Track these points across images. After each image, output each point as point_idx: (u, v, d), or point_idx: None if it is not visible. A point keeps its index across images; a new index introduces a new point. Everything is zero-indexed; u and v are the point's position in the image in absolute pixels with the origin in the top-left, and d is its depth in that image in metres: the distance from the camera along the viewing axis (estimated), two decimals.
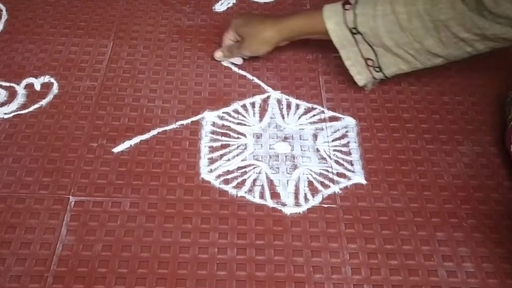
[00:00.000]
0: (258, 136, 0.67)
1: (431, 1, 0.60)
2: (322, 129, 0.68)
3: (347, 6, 0.64)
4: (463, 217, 0.60)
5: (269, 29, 0.69)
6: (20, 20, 0.80)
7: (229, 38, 0.73)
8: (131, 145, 0.65)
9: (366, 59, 0.67)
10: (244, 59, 0.75)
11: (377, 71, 0.67)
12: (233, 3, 0.85)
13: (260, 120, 0.69)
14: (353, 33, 0.65)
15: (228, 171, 0.63)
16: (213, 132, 0.67)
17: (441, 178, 0.64)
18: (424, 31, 0.61)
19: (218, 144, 0.66)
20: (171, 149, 0.65)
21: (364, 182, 0.63)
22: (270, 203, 0.60)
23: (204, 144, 0.66)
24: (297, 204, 0.60)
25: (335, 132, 0.68)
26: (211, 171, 0.63)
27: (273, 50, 0.71)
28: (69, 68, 0.73)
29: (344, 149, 0.66)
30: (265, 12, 0.83)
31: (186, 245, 0.56)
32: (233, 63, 0.75)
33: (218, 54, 0.74)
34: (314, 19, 0.67)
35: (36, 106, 0.68)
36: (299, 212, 0.60)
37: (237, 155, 0.65)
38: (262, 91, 0.72)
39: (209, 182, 0.62)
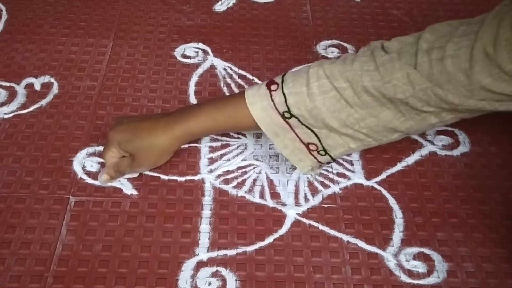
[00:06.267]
0: (258, 136, 0.67)
1: (380, 76, 0.50)
2: None
3: (273, 87, 0.54)
4: (463, 216, 0.60)
5: (163, 137, 0.56)
6: (20, 20, 0.80)
7: (112, 156, 0.58)
8: None
9: (307, 144, 0.56)
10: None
11: (322, 155, 0.57)
12: (233, 3, 0.85)
13: None
14: (285, 118, 0.54)
15: (228, 171, 0.63)
16: None
17: (441, 178, 0.64)
18: (378, 104, 0.52)
19: (218, 144, 0.66)
20: None
21: (364, 182, 0.63)
22: (270, 203, 0.60)
23: (204, 144, 0.66)
24: (297, 204, 0.60)
25: None
26: (211, 171, 0.63)
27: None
28: (69, 68, 0.73)
29: None
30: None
31: (186, 245, 0.56)
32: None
33: (103, 178, 0.59)
34: (235, 108, 0.55)
35: (36, 106, 0.68)
36: (299, 212, 0.60)
37: (237, 155, 0.65)
38: None
39: (209, 182, 0.62)
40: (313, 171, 0.60)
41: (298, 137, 0.56)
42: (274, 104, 0.54)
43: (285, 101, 0.53)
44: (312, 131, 0.55)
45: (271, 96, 0.54)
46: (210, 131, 0.60)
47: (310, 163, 0.59)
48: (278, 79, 0.55)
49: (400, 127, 0.54)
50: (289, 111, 0.54)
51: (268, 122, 0.55)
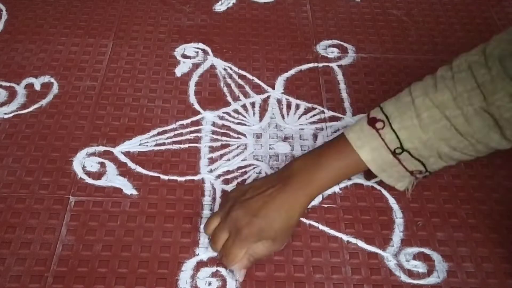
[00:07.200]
0: (258, 136, 0.67)
1: (484, 97, 0.49)
2: (322, 129, 0.68)
3: (378, 125, 0.53)
4: (463, 216, 0.60)
5: (296, 212, 0.54)
6: (20, 20, 0.80)
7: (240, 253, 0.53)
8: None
9: (411, 171, 0.56)
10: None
11: (424, 174, 0.57)
12: (233, 3, 0.85)
13: (260, 120, 0.69)
14: (396, 154, 0.53)
15: (228, 171, 0.63)
16: (213, 132, 0.67)
17: (441, 178, 0.64)
18: (487, 130, 0.50)
19: (218, 144, 0.66)
20: (170, 149, 0.65)
21: (364, 182, 0.63)
22: None
23: (204, 144, 0.66)
24: None
25: (335, 132, 0.68)
26: (211, 171, 0.63)
27: None
28: (69, 68, 0.73)
29: None
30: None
31: (186, 245, 0.56)
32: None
33: (241, 276, 0.53)
34: (343, 157, 0.54)
35: (36, 106, 0.68)
36: None
37: (237, 155, 0.65)
38: (262, 91, 0.72)
39: (209, 182, 0.62)
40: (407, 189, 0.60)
41: (405, 167, 0.55)
42: (385, 143, 0.52)
43: (397, 137, 0.52)
44: (419, 161, 0.54)
45: (380, 136, 0.52)
46: (333, 184, 0.57)
47: (409, 180, 0.58)
48: (379, 115, 0.53)
49: (506, 146, 0.52)
50: (401, 147, 0.52)
51: (377, 162, 0.54)
